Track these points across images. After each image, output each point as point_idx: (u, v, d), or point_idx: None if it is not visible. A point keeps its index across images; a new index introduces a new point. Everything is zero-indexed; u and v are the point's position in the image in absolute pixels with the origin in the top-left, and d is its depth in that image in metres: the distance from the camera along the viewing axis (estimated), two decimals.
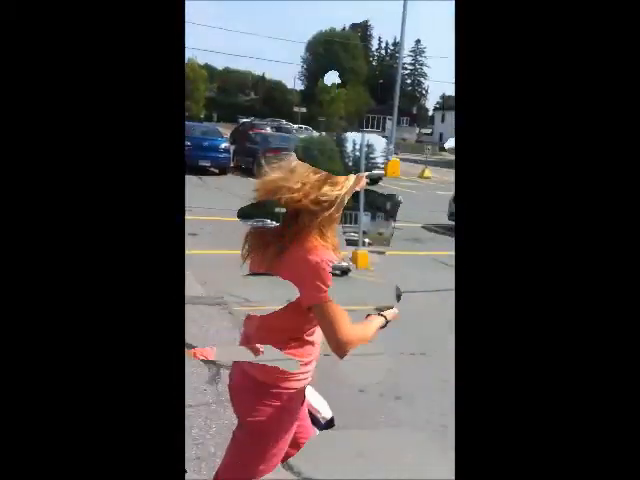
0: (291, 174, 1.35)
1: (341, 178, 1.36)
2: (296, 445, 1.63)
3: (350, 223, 1.64)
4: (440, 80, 62.93)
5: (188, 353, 2.30)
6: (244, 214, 1.36)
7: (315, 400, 1.77)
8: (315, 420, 1.77)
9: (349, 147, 1.49)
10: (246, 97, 62.32)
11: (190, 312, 4.13)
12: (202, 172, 14.17)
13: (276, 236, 1.35)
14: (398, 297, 1.59)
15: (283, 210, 1.31)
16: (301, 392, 1.52)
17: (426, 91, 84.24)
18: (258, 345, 1.42)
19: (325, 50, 57.47)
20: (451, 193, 10.64)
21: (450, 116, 53.96)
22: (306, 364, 1.47)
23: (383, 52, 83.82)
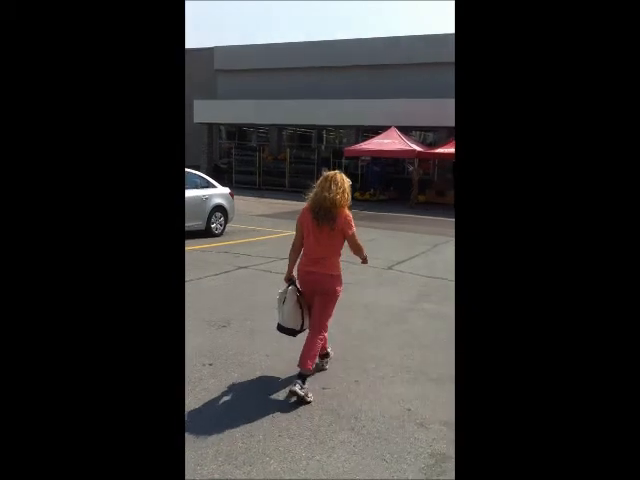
0: (344, 194, 3.63)
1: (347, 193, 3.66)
2: None
3: None
4: None
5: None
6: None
7: None
8: None
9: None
10: None
11: None
12: None
13: (335, 211, 3.53)
14: None
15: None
16: None
17: None
18: (329, 259, 3.65)
19: None
20: None
21: None
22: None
23: None
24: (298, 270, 3.74)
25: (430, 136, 21.22)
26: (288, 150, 22.73)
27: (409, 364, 4.25)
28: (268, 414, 3.28)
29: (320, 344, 3.70)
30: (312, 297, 3.72)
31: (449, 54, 18.40)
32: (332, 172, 3.69)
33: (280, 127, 23.52)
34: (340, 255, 3.71)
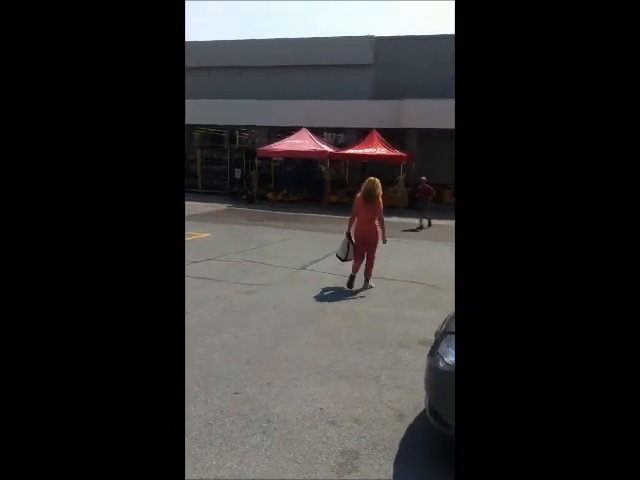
0: (379, 189, 6.85)
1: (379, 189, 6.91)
2: None
3: None
4: None
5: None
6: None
7: None
8: None
9: None
10: None
11: None
12: None
13: (375, 197, 6.77)
14: None
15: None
16: None
17: None
18: (372, 225, 6.87)
19: None
20: None
21: None
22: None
23: None
24: (355, 229, 6.95)
25: (341, 137, 21.56)
26: (199, 151, 22.22)
27: (321, 363, 4.27)
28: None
29: (371, 270, 7.02)
30: (362, 245, 6.97)
31: (360, 56, 18.69)
32: (373, 178, 6.94)
33: (190, 127, 22.94)
34: (375, 222, 6.88)
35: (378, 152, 17.12)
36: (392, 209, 12.94)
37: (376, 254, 7.12)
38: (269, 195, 19.24)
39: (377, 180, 6.85)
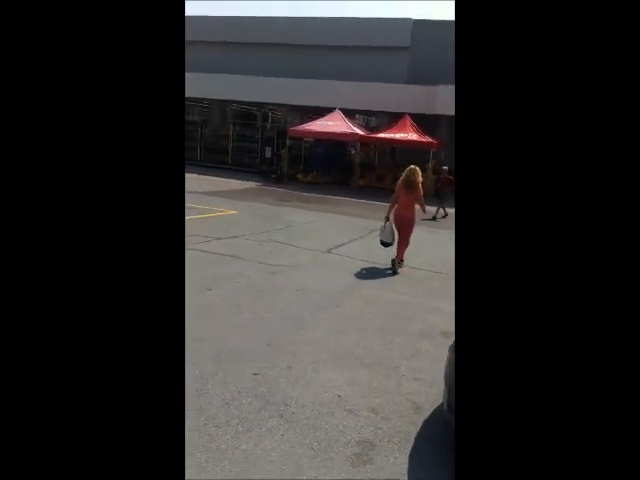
0: (419, 177, 7.37)
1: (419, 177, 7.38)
2: None
3: None
4: None
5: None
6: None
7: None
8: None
9: None
10: None
11: None
12: None
13: (415, 185, 7.26)
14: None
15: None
16: None
17: None
18: (411, 211, 7.40)
19: None
20: None
21: None
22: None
23: None
24: (395, 213, 7.42)
25: (372, 120, 21.31)
26: (231, 127, 22.24)
27: (341, 349, 4.25)
28: (196, 403, 3.18)
29: (405, 250, 7.45)
30: (400, 227, 7.45)
31: (399, 39, 18.35)
32: (413, 166, 7.43)
33: (223, 102, 22.93)
34: (414, 207, 7.42)
35: (409, 137, 16.88)
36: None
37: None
38: (299, 176, 19.21)
39: (418, 169, 7.41)
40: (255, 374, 3.65)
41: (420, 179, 7.32)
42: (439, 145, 17.11)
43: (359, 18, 20.95)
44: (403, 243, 7.44)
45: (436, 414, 3.30)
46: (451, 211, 13.24)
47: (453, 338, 4.75)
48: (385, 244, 7.52)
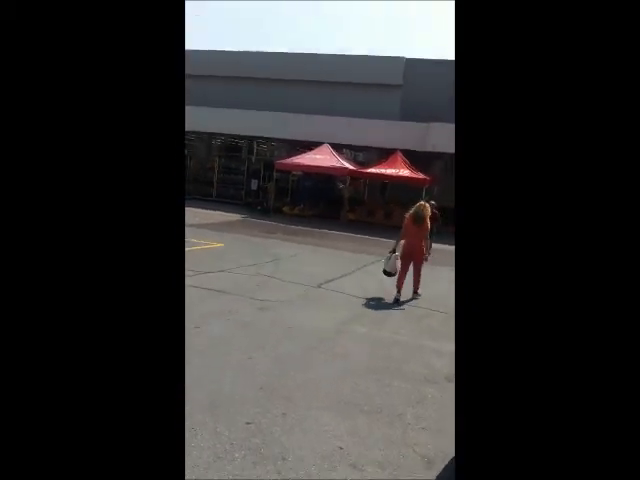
0: (427, 211, 7.68)
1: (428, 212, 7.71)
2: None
3: None
4: None
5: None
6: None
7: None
8: None
9: None
10: None
11: None
12: None
13: (423, 222, 7.57)
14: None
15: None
16: None
17: None
18: (417, 244, 7.55)
19: None
20: None
21: None
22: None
23: None
24: (403, 247, 7.65)
25: (360, 155, 21.34)
26: (217, 159, 22.09)
27: (338, 394, 3.93)
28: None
29: (419, 282, 7.67)
30: (409, 259, 7.62)
31: (391, 76, 18.61)
32: (423, 202, 7.88)
33: (209, 135, 22.82)
34: (422, 240, 7.65)
35: (400, 173, 16.85)
36: None
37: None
38: (285, 209, 19.02)
39: (427, 204, 7.89)
40: (248, 423, 3.32)
41: (429, 213, 7.62)
42: (432, 181, 17.09)
43: (353, 55, 21.19)
44: (417, 274, 7.64)
45: (449, 470, 2.99)
46: (437, 246, 13.10)
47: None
48: (388, 274, 7.70)
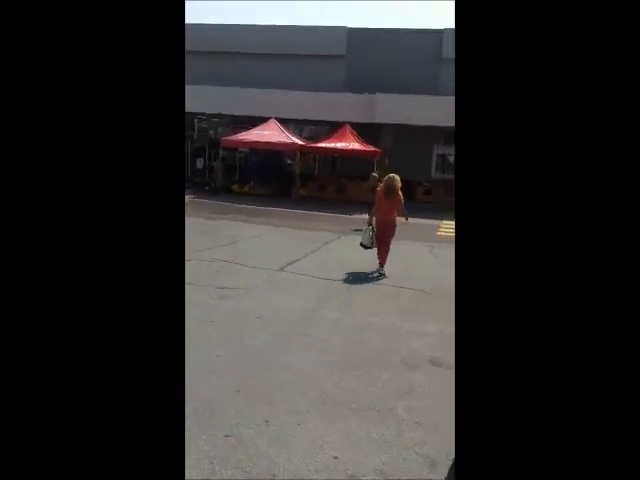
0: (398, 184, 7.60)
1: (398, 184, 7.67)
2: None
3: None
4: None
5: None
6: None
7: None
8: None
9: None
10: None
11: None
12: None
13: (394, 193, 7.54)
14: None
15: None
16: None
17: None
18: (392, 215, 7.60)
19: None
20: None
21: None
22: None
23: None
24: (376, 219, 7.60)
25: (306, 129, 20.82)
26: None
27: (322, 391, 3.62)
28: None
29: (387, 254, 7.53)
30: (382, 232, 7.56)
31: (333, 47, 18.19)
32: (393, 174, 7.63)
33: None
34: (394, 212, 7.57)
35: (351, 147, 16.54)
36: (364, 205, 12.16)
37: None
38: (234, 187, 18.38)
39: (397, 176, 7.60)
40: (227, 436, 2.95)
41: (399, 184, 7.50)
42: (382, 154, 16.85)
43: (294, 26, 20.48)
44: (384, 247, 7.53)
45: (452, 469, 2.75)
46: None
47: (443, 367, 4.23)
48: (365, 246, 7.72)
